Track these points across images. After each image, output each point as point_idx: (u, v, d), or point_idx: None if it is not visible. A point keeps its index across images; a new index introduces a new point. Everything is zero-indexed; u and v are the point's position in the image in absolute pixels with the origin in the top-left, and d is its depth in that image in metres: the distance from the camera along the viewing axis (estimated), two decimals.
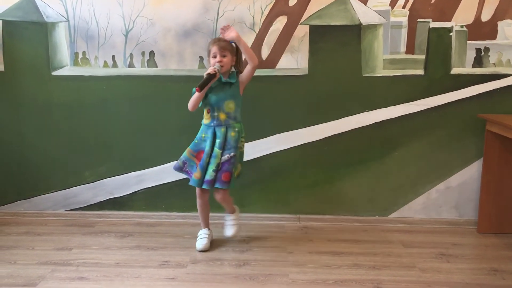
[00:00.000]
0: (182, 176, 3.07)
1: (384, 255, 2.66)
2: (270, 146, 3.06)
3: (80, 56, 3.01)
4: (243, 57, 2.60)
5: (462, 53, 2.93)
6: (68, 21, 2.97)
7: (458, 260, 2.63)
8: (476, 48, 2.93)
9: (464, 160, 3.04)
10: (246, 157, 2.97)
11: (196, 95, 2.51)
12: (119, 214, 3.15)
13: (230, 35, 2.52)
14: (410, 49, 2.95)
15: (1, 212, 3.16)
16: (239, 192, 2.90)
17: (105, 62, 3.01)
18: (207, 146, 2.57)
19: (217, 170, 2.54)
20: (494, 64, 2.94)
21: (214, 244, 2.78)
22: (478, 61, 2.94)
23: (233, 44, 2.57)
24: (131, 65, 3.01)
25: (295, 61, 2.97)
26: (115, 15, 2.95)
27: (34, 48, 2.99)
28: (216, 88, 2.55)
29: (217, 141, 2.56)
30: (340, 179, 3.08)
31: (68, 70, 3.02)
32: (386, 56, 2.96)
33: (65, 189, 3.15)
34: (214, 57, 2.52)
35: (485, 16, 2.91)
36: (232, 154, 2.57)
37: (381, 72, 2.97)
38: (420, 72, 2.96)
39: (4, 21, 2.97)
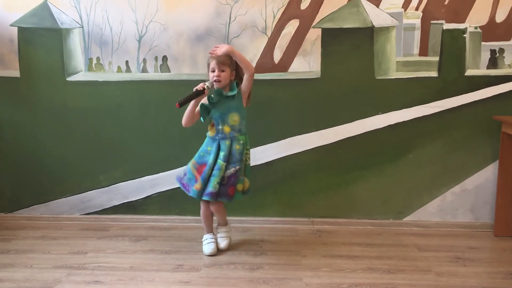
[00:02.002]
0: None
1: (399, 259, 2.64)
2: (282, 150, 3.05)
3: (94, 61, 3.04)
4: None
5: (476, 55, 2.90)
6: (82, 27, 3.01)
7: (475, 263, 2.59)
8: (490, 49, 2.89)
9: (480, 163, 3.00)
10: (259, 161, 3.00)
11: (188, 111, 2.54)
12: (133, 218, 3.18)
13: (222, 50, 2.50)
14: (423, 51, 2.93)
15: (17, 216, 3.20)
16: (252, 196, 2.90)
17: (118, 67, 3.04)
18: (210, 159, 2.56)
19: (222, 184, 2.54)
20: (509, 65, 2.90)
21: (227, 248, 2.78)
22: (493, 63, 2.90)
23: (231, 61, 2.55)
24: (144, 70, 3.04)
25: (307, 64, 2.97)
26: (128, 21, 2.98)
27: (49, 54, 3.03)
28: (219, 102, 2.55)
29: (221, 153, 2.55)
30: (354, 182, 3.07)
31: (82, 75, 3.06)
32: (399, 58, 2.94)
33: (81, 193, 3.18)
34: (213, 71, 2.52)
35: (500, 17, 2.87)
36: (237, 167, 2.57)
37: (394, 74, 2.95)
38: (434, 74, 2.94)
39: (19, 28, 3.01)
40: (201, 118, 2.60)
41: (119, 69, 3.04)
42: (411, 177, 3.04)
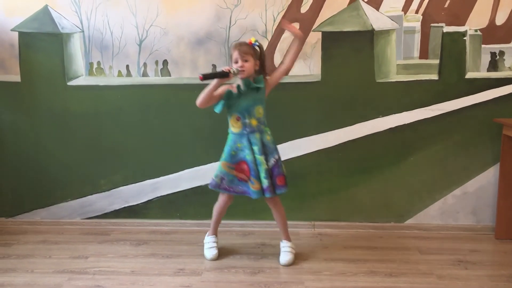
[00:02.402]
0: (196, 183, 3.10)
1: (400, 262, 2.64)
2: (283, 153, 3.02)
3: (95, 66, 3.05)
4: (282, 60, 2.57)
5: (476, 57, 2.90)
6: (83, 31, 3.01)
7: (476, 266, 2.59)
8: (491, 52, 2.90)
9: (481, 165, 3.00)
10: None
11: (207, 90, 2.42)
12: (134, 222, 3.17)
13: (294, 29, 2.49)
14: (423, 54, 2.93)
15: (18, 221, 3.20)
16: (253, 199, 2.89)
17: (119, 71, 3.04)
18: (247, 155, 2.50)
19: (269, 177, 2.50)
20: (509, 68, 2.90)
21: (229, 251, 2.78)
22: (493, 65, 2.91)
23: (257, 47, 2.51)
24: (144, 74, 3.04)
25: (307, 67, 2.97)
26: (129, 25, 2.99)
27: (50, 59, 3.04)
28: (245, 94, 2.49)
29: (255, 148, 2.50)
30: (355, 185, 3.07)
31: (83, 80, 3.06)
32: (400, 62, 2.94)
33: (81, 197, 3.18)
34: (236, 62, 2.47)
35: (500, 20, 2.88)
36: (276, 157, 2.54)
37: (395, 77, 2.95)
38: (434, 77, 2.94)
39: (20, 33, 3.02)
40: (216, 109, 2.50)
41: (119, 73, 3.05)
42: (412, 180, 3.04)
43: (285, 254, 2.63)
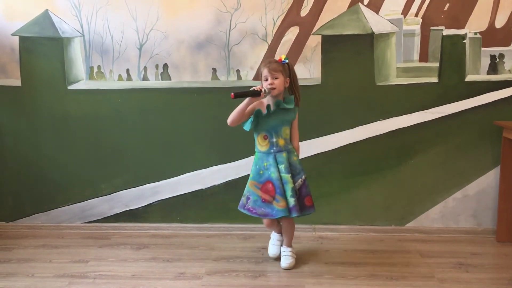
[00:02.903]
0: (197, 187, 3.11)
1: (401, 265, 2.63)
2: None
3: (95, 70, 3.05)
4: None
5: (476, 60, 2.91)
6: (83, 36, 3.02)
7: (477, 269, 2.58)
8: (490, 55, 2.90)
9: (481, 168, 3.00)
10: None
11: (238, 108, 2.41)
12: (134, 226, 3.17)
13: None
14: (423, 57, 2.94)
15: (19, 225, 3.20)
16: None
17: (119, 75, 3.05)
18: (272, 173, 2.48)
19: (296, 197, 2.49)
20: (509, 70, 2.91)
21: (229, 255, 2.78)
22: (493, 68, 2.91)
23: (286, 64, 2.49)
24: (145, 78, 3.05)
25: (308, 71, 2.98)
26: (129, 29, 2.99)
27: (50, 63, 3.04)
28: (274, 113, 2.48)
29: (281, 166, 2.49)
30: (356, 188, 3.07)
31: (83, 84, 3.07)
32: (400, 65, 2.95)
33: (82, 201, 3.18)
34: (266, 80, 2.44)
35: (499, 23, 2.88)
36: (303, 177, 2.54)
37: (395, 80, 2.96)
38: (434, 80, 2.94)
39: (21, 37, 3.03)
40: (245, 126, 2.49)
41: (120, 77, 3.05)
42: (412, 183, 3.04)
43: (286, 258, 2.63)
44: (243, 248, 2.88)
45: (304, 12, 2.93)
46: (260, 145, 2.54)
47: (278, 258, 2.70)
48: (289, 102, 2.50)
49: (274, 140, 2.51)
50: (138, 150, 3.11)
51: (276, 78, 2.44)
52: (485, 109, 2.93)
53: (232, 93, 2.33)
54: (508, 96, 2.91)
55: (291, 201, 2.46)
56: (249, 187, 2.55)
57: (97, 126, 3.09)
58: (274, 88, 2.43)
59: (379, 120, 2.99)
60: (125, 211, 3.17)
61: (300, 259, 2.71)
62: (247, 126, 2.50)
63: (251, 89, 2.39)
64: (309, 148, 3.03)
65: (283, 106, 2.47)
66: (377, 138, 3.00)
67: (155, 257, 2.78)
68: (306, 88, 2.97)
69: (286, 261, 2.61)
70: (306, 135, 3.02)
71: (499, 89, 2.91)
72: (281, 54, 2.94)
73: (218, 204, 3.11)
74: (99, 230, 3.16)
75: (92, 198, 3.17)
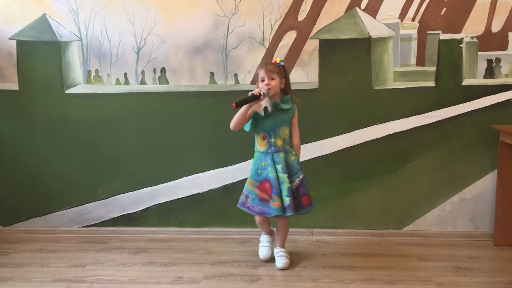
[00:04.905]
0: (194, 191, 3.10)
1: (399, 269, 2.63)
2: None
3: (93, 74, 3.05)
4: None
5: (473, 64, 2.92)
6: (81, 40, 3.02)
7: (475, 273, 2.59)
8: (487, 59, 2.91)
9: (478, 172, 3.01)
10: None
11: (239, 113, 2.48)
12: (132, 230, 3.16)
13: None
14: (420, 61, 2.95)
15: (16, 230, 3.19)
16: None
17: (117, 79, 3.05)
18: (270, 172, 2.53)
19: (292, 196, 2.52)
20: (506, 74, 2.92)
21: (227, 259, 2.77)
22: (490, 72, 2.92)
23: (281, 66, 2.55)
24: (143, 82, 3.05)
25: (305, 75, 2.98)
26: (127, 33, 2.99)
27: (48, 67, 3.04)
28: (272, 114, 2.54)
29: (278, 166, 2.53)
30: (353, 192, 3.07)
31: (81, 88, 3.06)
32: (397, 69, 2.96)
33: (79, 205, 3.17)
34: (262, 80, 2.51)
35: (496, 27, 2.90)
36: (301, 176, 2.57)
37: (392, 84, 2.97)
38: (431, 84, 2.95)
39: (18, 41, 3.03)
40: (246, 127, 2.55)
41: (117, 81, 3.05)
42: (410, 187, 3.04)
43: (281, 258, 2.65)
44: (241, 252, 2.88)
45: (301, 16, 2.94)
46: (259, 145, 2.59)
47: (269, 260, 2.71)
48: (286, 102, 2.56)
49: (273, 140, 2.55)
50: (135, 154, 3.11)
51: (272, 79, 2.51)
52: (482, 113, 2.94)
53: (233, 103, 2.39)
54: (505, 100, 2.92)
55: (286, 200, 2.50)
56: (247, 186, 2.60)
57: (95, 130, 3.09)
58: (270, 89, 2.50)
59: (377, 124, 3.00)
60: (122, 215, 3.17)
61: (298, 263, 2.71)
62: (247, 127, 2.57)
63: (250, 94, 2.44)
64: (306, 152, 3.03)
65: (280, 107, 2.54)
66: (374, 142, 3.01)
67: (153, 261, 2.77)
68: (304, 92, 2.97)
69: (282, 261, 2.63)
70: (303, 139, 3.01)
71: (496, 93, 2.92)
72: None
73: (216, 208, 3.11)
74: (96, 234, 3.16)
75: (89, 202, 3.16)
